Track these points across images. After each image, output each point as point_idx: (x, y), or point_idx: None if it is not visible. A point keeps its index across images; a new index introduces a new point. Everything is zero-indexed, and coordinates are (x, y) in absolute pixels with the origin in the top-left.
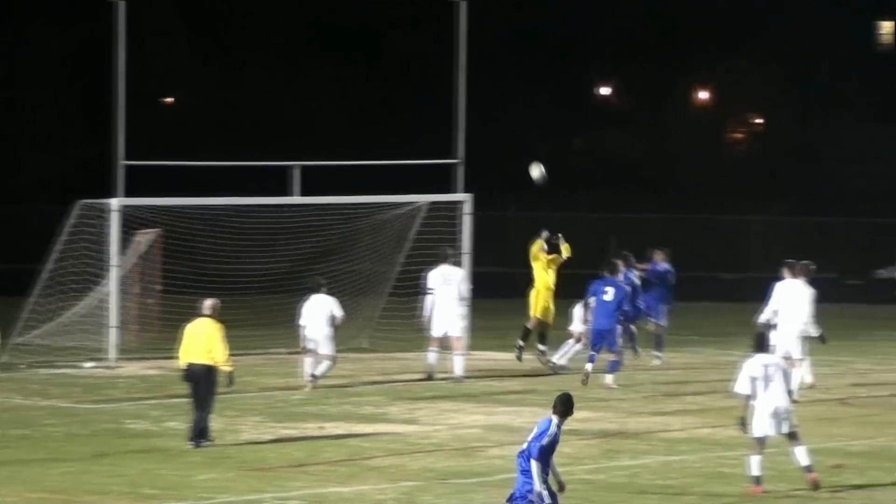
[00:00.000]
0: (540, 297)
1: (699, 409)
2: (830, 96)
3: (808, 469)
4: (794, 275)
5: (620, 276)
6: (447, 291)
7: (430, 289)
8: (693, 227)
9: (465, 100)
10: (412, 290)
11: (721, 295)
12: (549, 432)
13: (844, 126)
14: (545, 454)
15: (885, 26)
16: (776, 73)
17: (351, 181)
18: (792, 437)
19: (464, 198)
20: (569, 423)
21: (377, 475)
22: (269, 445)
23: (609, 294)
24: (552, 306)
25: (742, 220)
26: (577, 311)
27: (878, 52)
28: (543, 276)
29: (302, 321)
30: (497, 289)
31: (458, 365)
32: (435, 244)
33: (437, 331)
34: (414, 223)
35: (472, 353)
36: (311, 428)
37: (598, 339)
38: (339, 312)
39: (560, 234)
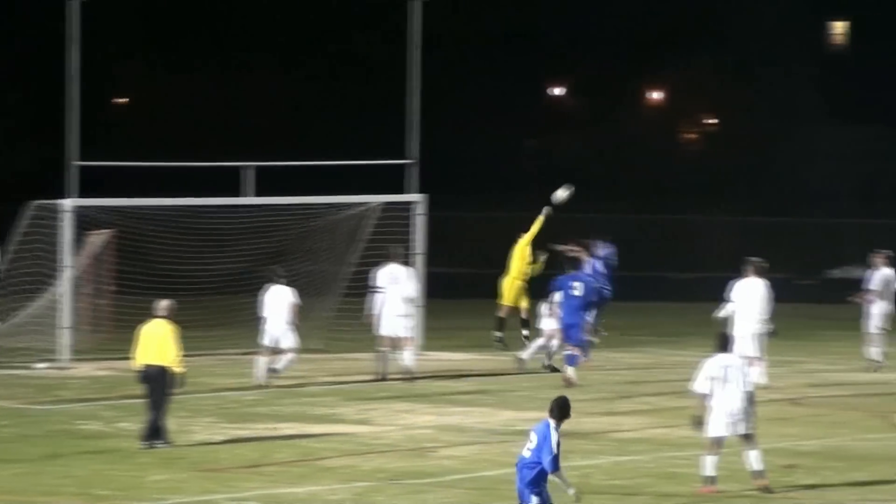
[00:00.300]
0: (513, 286)
1: (651, 409)
2: (783, 96)
3: (759, 475)
4: (754, 273)
5: (588, 268)
6: (395, 290)
7: (378, 287)
8: (645, 227)
9: (418, 100)
10: (365, 290)
11: (673, 295)
12: (553, 441)
13: (797, 126)
14: (558, 462)
15: (838, 26)
16: (729, 73)
17: (305, 182)
18: (747, 439)
19: (417, 198)
20: (519, 423)
21: (330, 476)
22: (221, 446)
23: (578, 289)
24: (525, 295)
25: (694, 220)
26: (544, 308)
27: (831, 52)
28: (519, 266)
29: (264, 313)
30: (450, 289)
31: (408, 361)
32: (388, 244)
33: (386, 330)
34: (367, 224)
35: (425, 353)
36: (264, 429)
37: (569, 334)
38: (294, 300)
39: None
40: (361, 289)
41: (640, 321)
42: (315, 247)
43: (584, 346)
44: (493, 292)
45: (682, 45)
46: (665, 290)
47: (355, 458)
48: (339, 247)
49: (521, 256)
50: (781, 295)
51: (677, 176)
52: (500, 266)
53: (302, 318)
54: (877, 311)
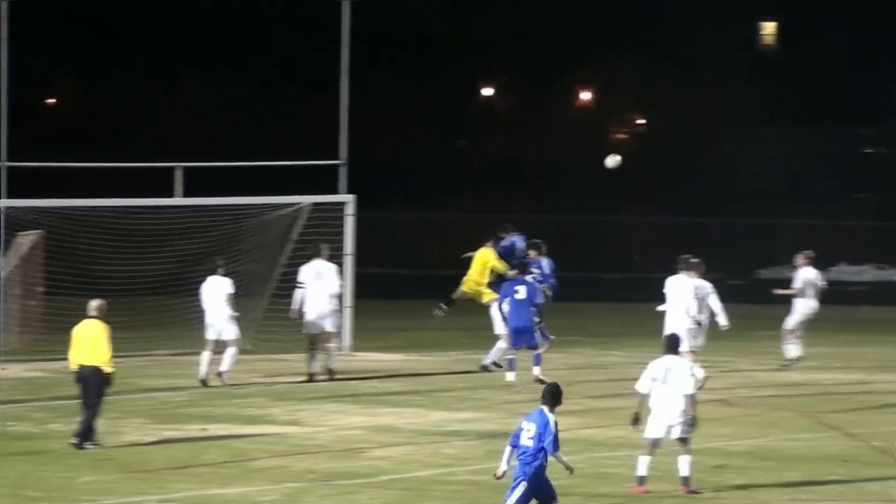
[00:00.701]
0: (470, 281)
1: (582, 409)
2: (712, 97)
3: (684, 481)
4: (685, 270)
5: (535, 270)
6: (319, 287)
7: (301, 283)
8: (575, 227)
9: (348, 101)
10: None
11: (603, 295)
12: (551, 422)
13: (727, 126)
14: (557, 443)
15: (767, 27)
16: (658, 74)
17: (236, 183)
18: (682, 442)
19: (346, 199)
20: (450, 424)
21: (261, 476)
22: (152, 447)
23: (521, 293)
24: (483, 290)
25: (624, 220)
26: (495, 312)
27: (761, 52)
28: (479, 271)
29: (204, 305)
30: (380, 290)
31: (330, 359)
32: (317, 243)
33: (310, 328)
34: (297, 224)
35: (355, 354)
36: (194, 429)
37: (518, 339)
38: (231, 290)
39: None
40: (291, 289)
41: (569, 322)
42: (245, 247)
43: (542, 345)
44: (424, 292)
45: (612, 44)
46: (595, 291)
47: (286, 458)
48: (268, 247)
49: (481, 265)
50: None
51: (607, 176)
52: (432, 266)
53: (238, 310)
54: (799, 309)
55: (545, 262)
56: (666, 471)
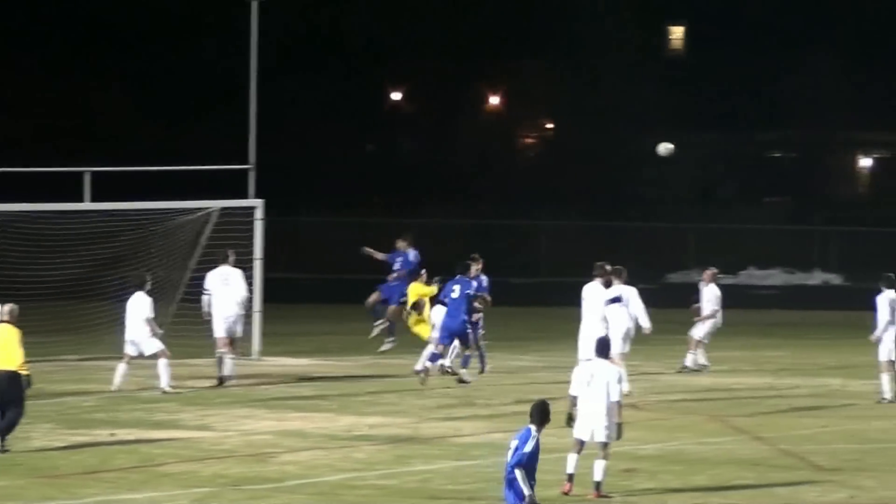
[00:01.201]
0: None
1: (491, 413)
2: (621, 101)
3: (597, 486)
4: (600, 277)
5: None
6: (226, 292)
7: (207, 290)
8: (485, 231)
9: (256, 105)
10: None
11: (512, 300)
12: (531, 442)
13: (635, 131)
14: (530, 461)
15: (675, 31)
16: (566, 78)
17: (145, 187)
18: (602, 446)
19: (255, 203)
20: (359, 429)
21: (170, 481)
22: (60, 452)
23: (456, 292)
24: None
25: (534, 225)
26: (436, 315)
27: (669, 56)
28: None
29: (126, 319)
30: (288, 294)
31: (227, 366)
32: (227, 249)
33: (218, 331)
34: (206, 229)
35: (264, 358)
36: (103, 434)
37: (447, 337)
38: (148, 314)
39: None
40: (199, 294)
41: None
42: (154, 252)
43: (473, 347)
44: (334, 297)
45: (520, 49)
46: (505, 295)
47: (195, 463)
48: (177, 252)
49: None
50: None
51: (516, 180)
52: (341, 271)
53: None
54: (703, 325)
55: (484, 278)
56: (579, 474)
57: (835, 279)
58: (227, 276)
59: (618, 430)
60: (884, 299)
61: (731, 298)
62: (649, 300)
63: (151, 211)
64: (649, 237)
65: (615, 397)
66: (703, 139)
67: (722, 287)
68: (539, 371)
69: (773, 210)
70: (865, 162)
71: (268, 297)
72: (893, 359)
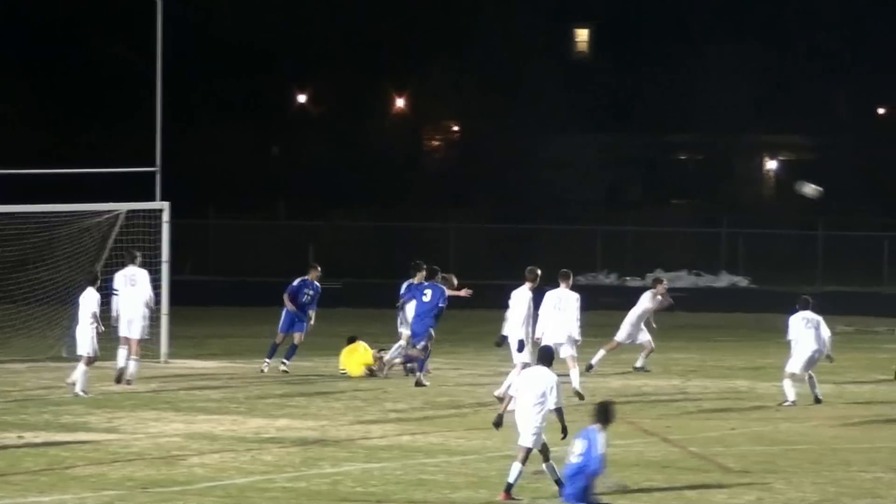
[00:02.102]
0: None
1: (399, 417)
2: (527, 104)
3: (508, 487)
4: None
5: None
6: (132, 293)
7: (115, 290)
8: (392, 235)
9: (161, 107)
10: (111, 298)
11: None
12: (600, 441)
13: (541, 133)
14: (604, 460)
15: (581, 34)
16: (472, 80)
17: (51, 190)
18: (524, 451)
19: (161, 206)
20: (268, 431)
21: (78, 484)
22: None
23: (427, 296)
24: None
25: (441, 227)
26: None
27: (575, 58)
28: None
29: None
30: (196, 297)
31: (131, 368)
32: (134, 251)
33: (122, 330)
34: (113, 231)
35: (172, 361)
36: (10, 437)
37: (417, 339)
38: (95, 308)
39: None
40: (106, 297)
41: (388, 329)
42: (59, 255)
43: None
44: (242, 299)
45: (425, 51)
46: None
47: (103, 466)
48: (84, 255)
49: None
50: (534, 304)
51: (423, 183)
52: (247, 273)
53: (43, 336)
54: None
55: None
56: (482, 476)
57: (742, 281)
58: (133, 276)
59: (564, 432)
60: (796, 320)
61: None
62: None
63: (57, 214)
64: (557, 239)
65: (552, 405)
66: (610, 141)
67: (629, 289)
68: (448, 373)
69: (681, 212)
70: (771, 165)
71: (175, 300)
72: (799, 372)
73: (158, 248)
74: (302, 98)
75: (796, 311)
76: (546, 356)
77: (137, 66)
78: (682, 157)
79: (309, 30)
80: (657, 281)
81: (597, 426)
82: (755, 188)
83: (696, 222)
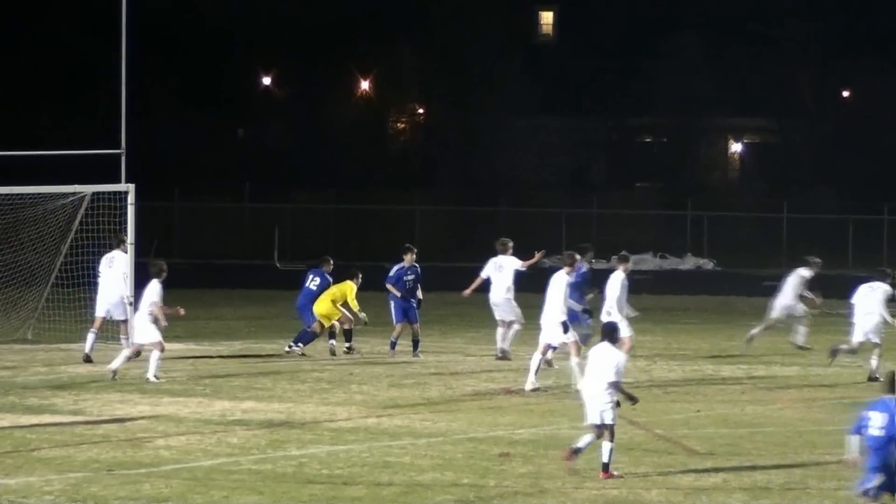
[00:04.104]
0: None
1: (364, 398)
2: (492, 86)
3: (604, 467)
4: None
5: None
6: (108, 275)
7: (99, 272)
8: (358, 217)
9: (125, 88)
10: (76, 280)
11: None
12: None
13: (506, 116)
14: None
15: (545, 16)
16: (436, 63)
17: (15, 172)
18: (607, 428)
19: (126, 188)
20: (234, 413)
21: (44, 466)
22: None
23: (313, 283)
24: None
25: (406, 210)
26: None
27: (539, 42)
28: (328, 304)
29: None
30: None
31: (119, 359)
32: (100, 235)
33: (98, 311)
34: (78, 214)
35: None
36: None
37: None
38: (152, 299)
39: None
40: (72, 279)
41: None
42: (23, 237)
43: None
44: (207, 282)
45: (391, 32)
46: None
47: (69, 448)
48: (48, 237)
49: (341, 292)
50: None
51: (387, 165)
52: (214, 256)
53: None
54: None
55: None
56: (448, 459)
57: (707, 264)
58: (111, 258)
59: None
60: (871, 291)
61: (604, 283)
62: (525, 285)
63: (22, 196)
64: (522, 222)
65: (611, 378)
66: (574, 124)
67: (596, 272)
68: (409, 356)
69: (645, 195)
70: (736, 147)
71: (140, 283)
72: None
73: (124, 230)
74: (267, 80)
75: (871, 281)
76: (609, 332)
77: (101, 47)
78: (647, 140)
79: (273, 11)
80: (623, 259)
81: (890, 395)
82: (720, 171)
83: (660, 205)
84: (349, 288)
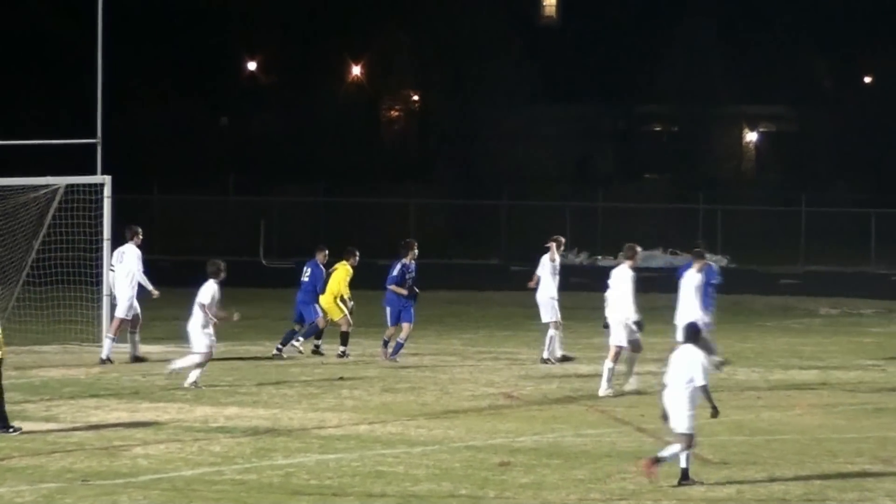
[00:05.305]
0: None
1: (356, 404)
2: (492, 72)
3: (684, 474)
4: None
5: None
6: (119, 270)
7: (112, 266)
8: (349, 211)
9: (101, 76)
10: (49, 278)
11: (378, 283)
12: None
13: (507, 104)
14: None
15: None
16: (433, 47)
17: None
18: (682, 437)
19: (102, 180)
20: (217, 420)
21: (15, 476)
22: None
23: (305, 274)
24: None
25: (400, 203)
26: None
27: (542, 24)
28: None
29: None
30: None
31: (106, 349)
32: (74, 230)
33: (117, 311)
34: (51, 207)
35: (117, 346)
36: None
37: (298, 315)
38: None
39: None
40: (45, 277)
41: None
42: None
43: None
44: (188, 280)
45: (384, 15)
46: (372, 278)
47: (41, 457)
48: (20, 232)
49: (337, 282)
50: (491, 283)
51: (380, 155)
52: (195, 252)
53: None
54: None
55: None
56: (445, 469)
57: (720, 261)
58: (122, 253)
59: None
60: None
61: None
62: (524, 281)
63: None
64: (524, 215)
65: (699, 383)
66: (579, 112)
67: (601, 269)
68: (408, 358)
69: (654, 187)
70: (751, 136)
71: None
72: None
73: (99, 224)
74: (252, 65)
75: None
76: (691, 333)
77: (76, 29)
78: (656, 129)
79: None
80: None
81: None
82: (734, 161)
83: (670, 198)
84: (342, 273)
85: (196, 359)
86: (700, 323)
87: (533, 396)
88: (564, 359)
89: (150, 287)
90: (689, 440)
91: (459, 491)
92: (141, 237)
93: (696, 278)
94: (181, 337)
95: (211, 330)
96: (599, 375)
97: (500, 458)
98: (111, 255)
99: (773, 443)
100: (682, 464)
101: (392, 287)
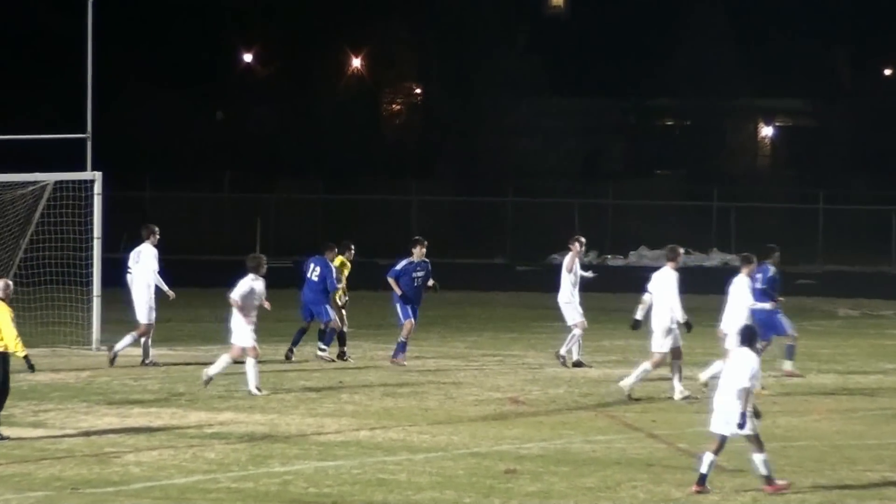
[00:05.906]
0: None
1: (356, 409)
2: (497, 65)
3: (701, 479)
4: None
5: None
6: (136, 271)
7: (129, 268)
8: (349, 208)
9: (91, 69)
10: (38, 278)
11: (378, 283)
12: None
13: (512, 97)
14: None
15: None
16: (436, 38)
17: None
18: (747, 439)
19: (93, 176)
20: (211, 425)
21: (1, 485)
22: None
23: (314, 273)
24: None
25: (402, 200)
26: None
27: (549, 15)
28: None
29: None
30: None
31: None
32: (64, 228)
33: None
34: (39, 204)
35: (104, 348)
36: None
37: (307, 313)
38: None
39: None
40: (34, 276)
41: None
42: None
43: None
44: (182, 280)
45: (385, 6)
46: (372, 278)
47: (29, 465)
48: (6, 230)
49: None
50: (496, 283)
51: (381, 151)
52: (189, 251)
53: None
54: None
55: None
56: (449, 477)
57: (735, 260)
58: (138, 253)
59: (754, 414)
60: None
61: (621, 281)
62: (531, 281)
63: None
64: (530, 213)
65: (742, 385)
66: (588, 106)
67: (611, 269)
68: (410, 361)
69: (666, 184)
70: (766, 131)
71: (108, 281)
72: None
73: (89, 222)
74: (248, 57)
75: None
76: (747, 336)
77: (66, 20)
78: (668, 123)
79: None
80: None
81: None
82: (749, 157)
83: (683, 195)
84: (341, 268)
85: (251, 358)
86: (755, 327)
87: (540, 401)
88: (578, 364)
89: (165, 288)
90: (754, 442)
91: (464, 499)
92: (158, 236)
93: (744, 283)
94: (174, 339)
95: (251, 326)
96: (608, 380)
97: (506, 465)
98: (106, 254)
99: (790, 449)
100: (703, 469)
101: (389, 279)
